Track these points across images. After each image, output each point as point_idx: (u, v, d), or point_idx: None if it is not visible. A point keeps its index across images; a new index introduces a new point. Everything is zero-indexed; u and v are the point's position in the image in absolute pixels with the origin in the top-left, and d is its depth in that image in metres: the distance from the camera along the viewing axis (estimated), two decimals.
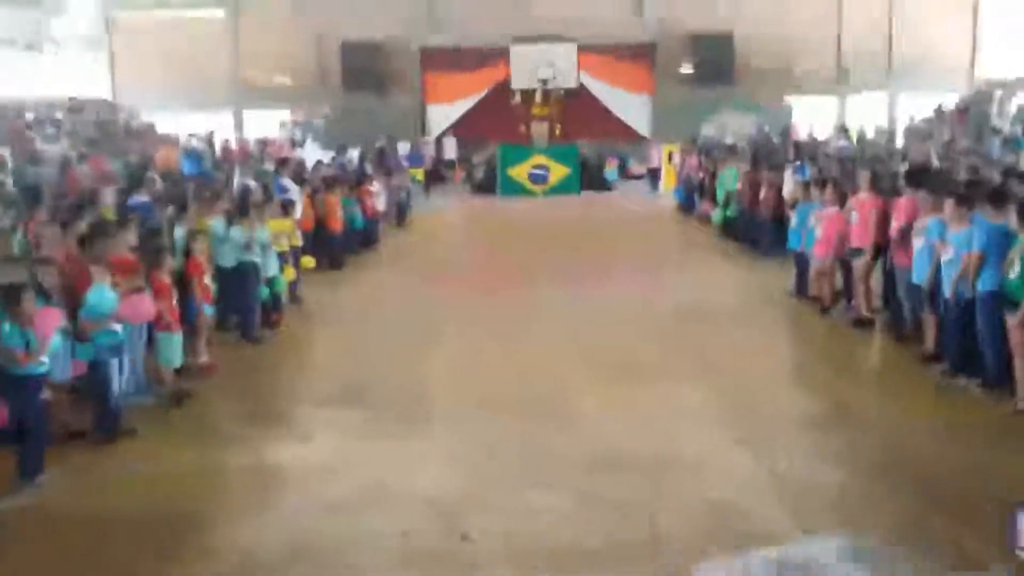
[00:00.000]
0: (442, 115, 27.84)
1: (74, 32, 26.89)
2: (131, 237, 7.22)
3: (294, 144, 24.82)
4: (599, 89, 27.30)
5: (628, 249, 15.51)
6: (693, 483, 5.64)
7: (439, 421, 6.87)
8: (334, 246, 12.98)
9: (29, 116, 22.13)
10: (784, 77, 26.88)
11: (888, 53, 27.22)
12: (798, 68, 27.08)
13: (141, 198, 9.98)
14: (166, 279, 7.19)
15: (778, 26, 26.46)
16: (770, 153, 18.64)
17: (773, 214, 12.87)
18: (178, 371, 7.46)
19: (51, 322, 5.75)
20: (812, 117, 26.58)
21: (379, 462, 6.05)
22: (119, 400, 6.57)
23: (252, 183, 12.56)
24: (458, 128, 27.65)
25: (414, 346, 9.03)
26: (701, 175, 18.02)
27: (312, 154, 22.15)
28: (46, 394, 5.85)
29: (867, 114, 26.45)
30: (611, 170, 25.55)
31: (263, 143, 23.30)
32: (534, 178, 23.21)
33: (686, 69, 27.32)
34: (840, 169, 13.22)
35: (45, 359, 5.73)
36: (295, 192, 11.90)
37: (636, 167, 26.75)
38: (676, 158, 21.71)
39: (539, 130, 25.97)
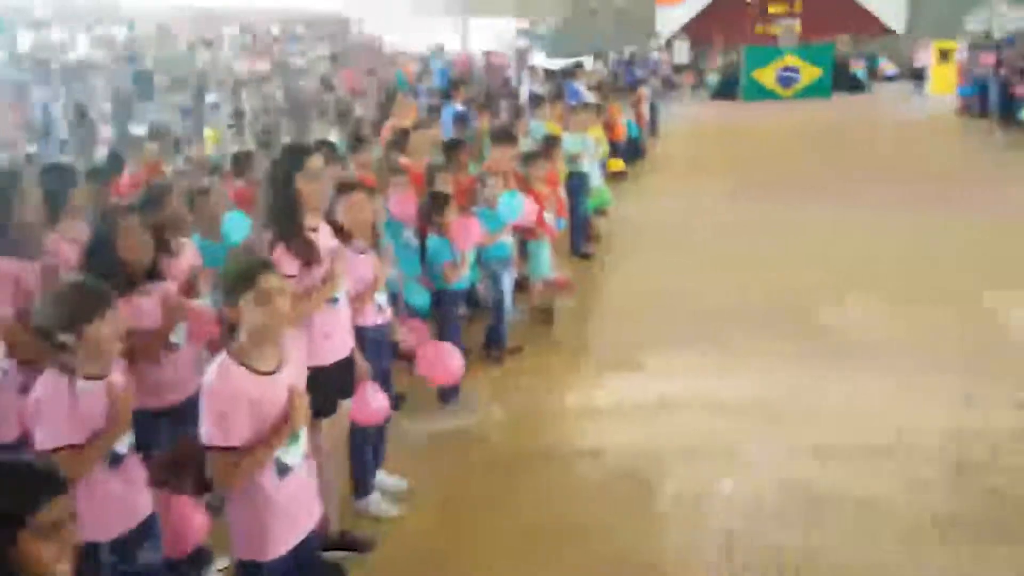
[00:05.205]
0: (672, 18, 26.41)
1: None
2: (515, 148, 6.76)
3: (521, 54, 24.22)
4: None
5: (917, 161, 13.92)
6: None
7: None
8: (617, 154, 12.32)
9: (275, 30, 22.66)
10: None
11: None
12: None
13: (456, 106, 9.59)
14: (541, 188, 6.74)
15: None
16: None
17: None
18: None
19: (471, 234, 5.40)
20: None
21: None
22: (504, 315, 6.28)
23: (540, 89, 12.00)
24: (688, 31, 26.20)
25: (736, 261, 8.48)
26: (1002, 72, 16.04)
27: (543, 63, 21.49)
28: (462, 310, 5.58)
29: None
30: (859, 71, 23.51)
31: (488, 54, 22.84)
32: (783, 81, 21.66)
33: None
34: None
35: (466, 273, 5.42)
36: (588, 98, 11.25)
37: (886, 66, 24.51)
38: (961, 54, 19.38)
39: (786, 29, 24.03)
